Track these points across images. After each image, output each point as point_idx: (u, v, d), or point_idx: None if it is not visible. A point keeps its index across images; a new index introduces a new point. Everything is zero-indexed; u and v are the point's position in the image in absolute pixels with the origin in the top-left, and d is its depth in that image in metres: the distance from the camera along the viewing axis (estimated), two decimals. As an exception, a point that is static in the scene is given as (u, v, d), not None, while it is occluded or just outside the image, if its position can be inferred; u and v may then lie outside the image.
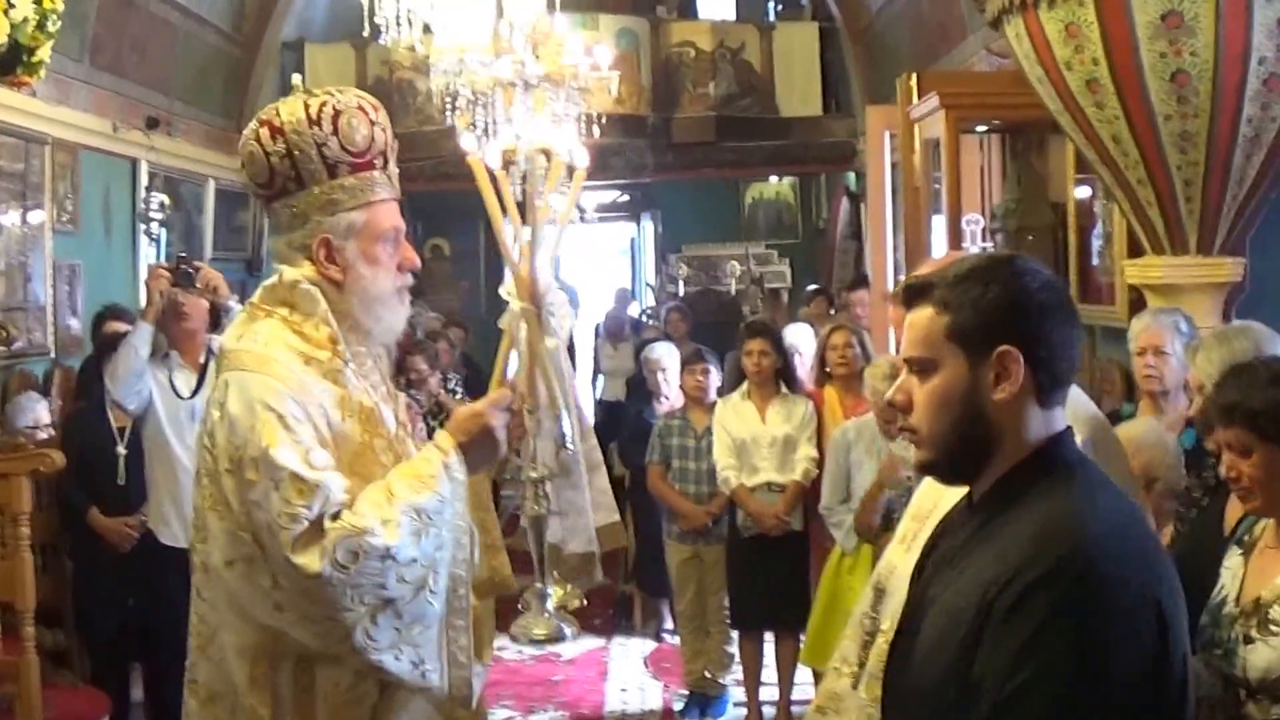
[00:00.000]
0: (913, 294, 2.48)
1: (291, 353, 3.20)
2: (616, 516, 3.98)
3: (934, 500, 3.25)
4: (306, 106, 3.25)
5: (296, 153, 3.23)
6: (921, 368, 2.45)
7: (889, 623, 3.20)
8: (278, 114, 3.26)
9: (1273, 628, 3.29)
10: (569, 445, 3.62)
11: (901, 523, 3.44)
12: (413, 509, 3.10)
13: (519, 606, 3.51)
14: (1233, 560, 3.58)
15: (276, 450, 3.02)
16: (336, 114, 3.26)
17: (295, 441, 3.05)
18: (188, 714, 3.27)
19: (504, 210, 3.75)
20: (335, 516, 3.03)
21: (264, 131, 3.25)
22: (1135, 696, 2.15)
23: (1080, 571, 2.17)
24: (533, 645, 3.52)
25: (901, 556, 3.29)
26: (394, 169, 3.41)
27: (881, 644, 3.19)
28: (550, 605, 3.48)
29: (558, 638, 3.49)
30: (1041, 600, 2.16)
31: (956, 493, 3.13)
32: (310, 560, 2.99)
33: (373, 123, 3.31)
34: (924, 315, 2.43)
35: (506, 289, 3.67)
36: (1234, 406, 3.42)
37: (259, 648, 3.13)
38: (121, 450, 7.02)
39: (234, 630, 3.14)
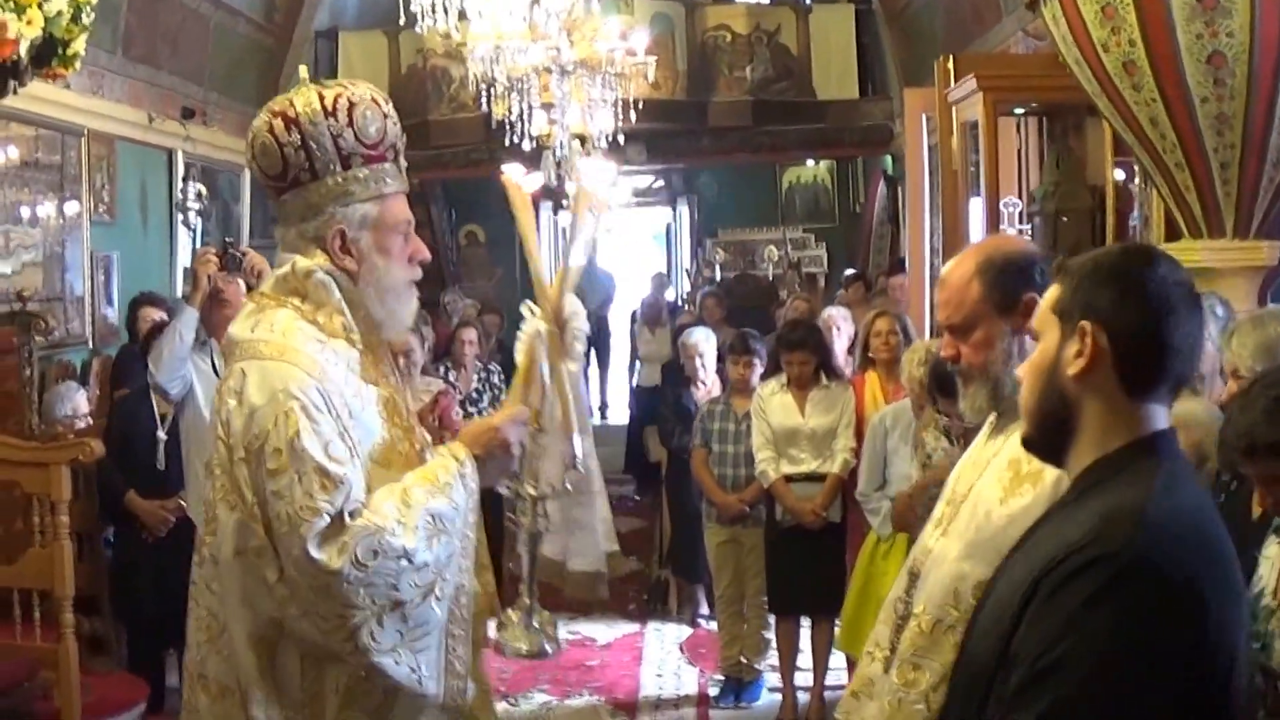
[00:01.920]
0: (1057, 270, 2.50)
1: (310, 341, 3.21)
2: (616, 546, 3.97)
3: (969, 483, 3.24)
4: (322, 98, 3.27)
5: (312, 144, 3.24)
6: (1034, 339, 2.49)
7: (921, 606, 3.18)
8: (291, 105, 3.26)
9: None
10: (580, 466, 3.61)
11: (937, 506, 3.42)
12: (429, 513, 3.14)
13: (500, 620, 3.52)
14: (1271, 550, 3.54)
15: (302, 441, 3.04)
16: (351, 106, 3.27)
17: (317, 433, 3.06)
18: (196, 710, 3.27)
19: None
20: (355, 514, 3.04)
21: (278, 123, 3.25)
22: (1166, 691, 2.11)
23: (1131, 559, 2.15)
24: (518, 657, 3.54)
25: (936, 540, 3.27)
26: (403, 161, 3.43)
27: (914, 628, 3.18)
28: (535, 622, 3.49)
29: (539, 653, 3.48)
30: (1086, 581, 2.15)
31: (992, 476, 3.13)
32: (330, 556, 3.00)
33: (385, 115, 3.34)
34: (1052, 290, 2.46)
35: (530, 308, 3.64)
36: (1252, 445, 3.37)
37: (268, 638, 3.15)
38: (162, 435, 7.06)
39: (242, 621, 3.15)
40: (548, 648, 3.51)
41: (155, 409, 7.07)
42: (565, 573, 3.86)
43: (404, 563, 3.06)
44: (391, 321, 3.42)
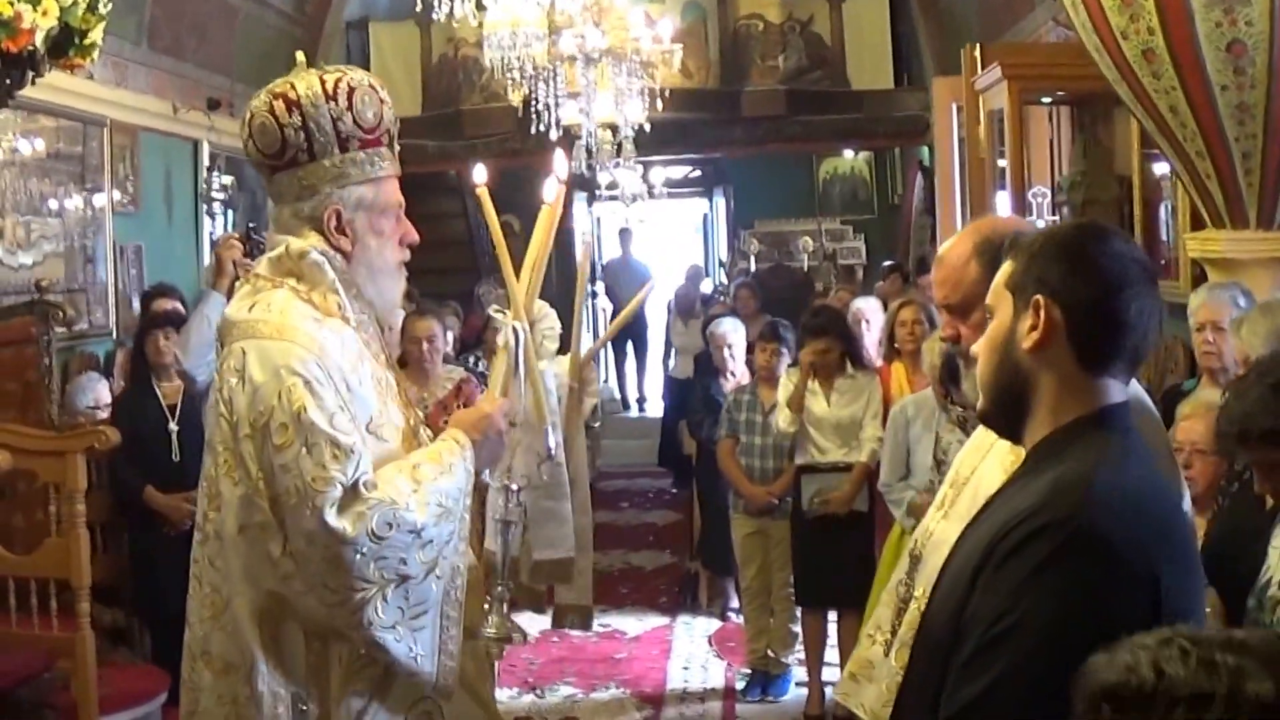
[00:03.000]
0: (1009, 247, 2.52)
1: (308, 319, 3.26)
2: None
3: (971, 466, 3.25)
4: (323, 82, 3.36)
5: (312, 125, 3.33)
6: (990, 316, 2.49)
7: (921, 589, 3.17)
8: (293, 88, 3.35)
9: None
10: (554, 457, 3.74)
11: (940, 490, 3.41)
12: (438, 491, 3.22)
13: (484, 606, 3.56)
14: (1278, 540, 3.52)
15: (309, 414, 3.11)
16: (351, 90, 3.38)
17: (322, 406, 3.13)
18: (199, 688, 3.30)
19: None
20: (368, 485, 3.11)
21: (279, 104, 3.33)
22: None
23: (1079, 526, 2.14)
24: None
25: (939, 523, 3.28)
26: (397, 147, 3.51)
27: (914, 610, 3.17)
28: (505, 610, 3.55)
29: (506, 638, 3.53)
30: (1037, 548, 2.15)
31: (995, 460, 3.11)
32: (347, 524, 3.07)
33: (381, 101, 3.43)
34: (1005, 266, 2.46)
35: (500, 309, 3.77)
36: (1246, 431, 3.38)
37: (272, 612, 3.20)
38: (174, 426, 7.08)
39: (246, 596, 3.20)
40: (514, 636, 3.53)
41: (162, 401, 7.09)
42: (535, 563, 3.91)
43: (414, 538, 3.15)
44: (381, 301, 3.49)
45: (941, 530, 3.20)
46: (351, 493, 3.09)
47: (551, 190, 3.71)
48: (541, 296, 3.77)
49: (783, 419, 7.71)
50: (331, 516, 3.06)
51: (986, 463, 3.16)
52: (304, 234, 3.37)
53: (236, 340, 3.25)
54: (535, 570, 3.93)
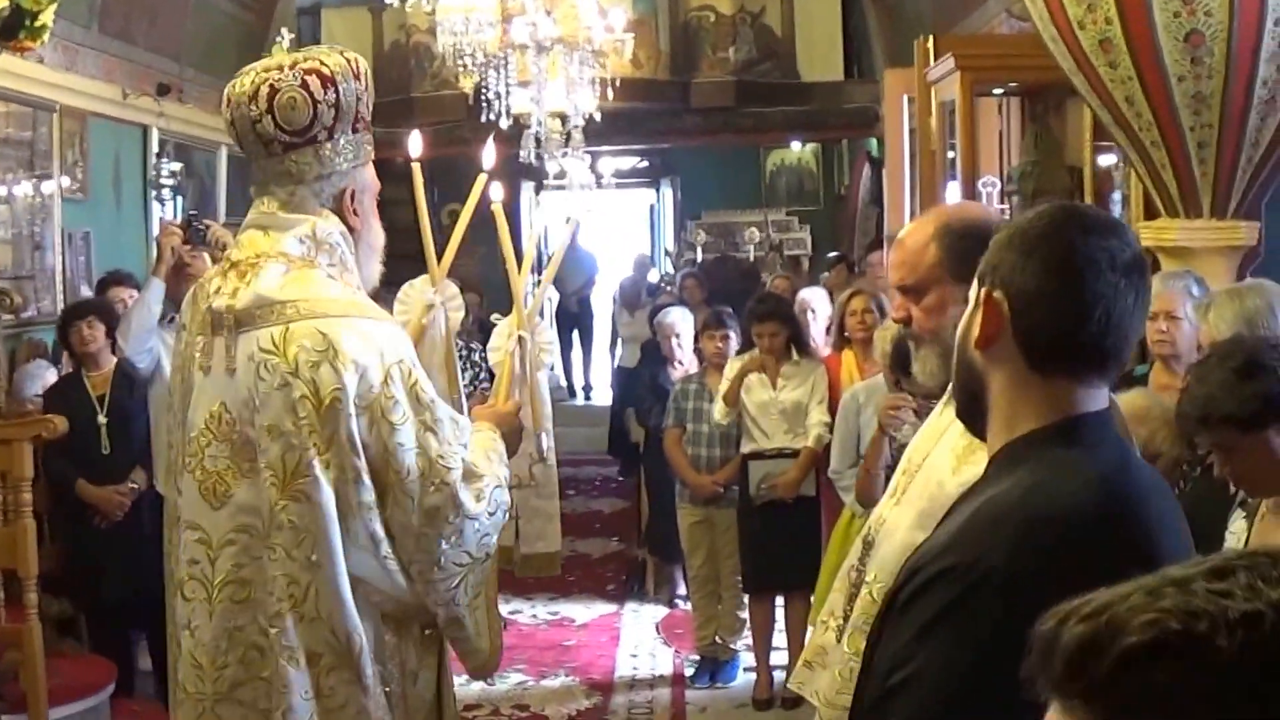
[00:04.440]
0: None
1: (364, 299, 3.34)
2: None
3: (923, 453, 3.21)
4: (347, 60, 3.36)
5: (343, 103, 3.31)
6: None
7: (873, 575, 3.17)
8: (324, 64, 3.31)
9: None
10: (546, 459, 3.90)
11: (894, 476, 3.41)
12: (502, 476, 3.37)
13: None
14: (1237, 525, 3.57)
15: (426, 392, 3.20)
16: (365, 71, 3.41)
17: (428, 384, 3.24)
18: (288, 683, 3.19)
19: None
20: (475, 464, 3.25)
21: (313, 80, 3.27)
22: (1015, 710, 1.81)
23: (986, 572, 1.95)
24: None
25: (891, 509, 3.26)
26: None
27: (865, 596, 3.16)
28: None
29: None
30: (940, 592, 1.98)
31: (945, 447, 3.11)
32: (470, 500, 3.19)
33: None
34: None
35: (497, 317, 3.95)
36: (1207, 414, 3.39)
37: (361, 594, 3.22)
38: (103, 419, 6.98)
39: (336, 581, 3.17)
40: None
41: (91, 392, 7.00)
42: (517, 557, 4.05)
43: (502, 516, 3.32)
44: (370, 283, 3.50)
45: (895, 517, 3.19)
46: (470, 470, 3.21)
47: (490, 157, 3.83)
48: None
49: (718, 412, 7.74)
50: (462, 492, 3.15)
51: (938, 449, 3.13)
52: (323, 214, 3.35)
53: (295, 320, 3.18)
54: (524, 563, 4.07)
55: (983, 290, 2.14)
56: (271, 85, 3.27)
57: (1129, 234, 2.17)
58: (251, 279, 3.26)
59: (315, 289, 3.24)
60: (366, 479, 3.13)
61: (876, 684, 2.06)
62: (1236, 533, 3.54)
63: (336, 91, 3.28)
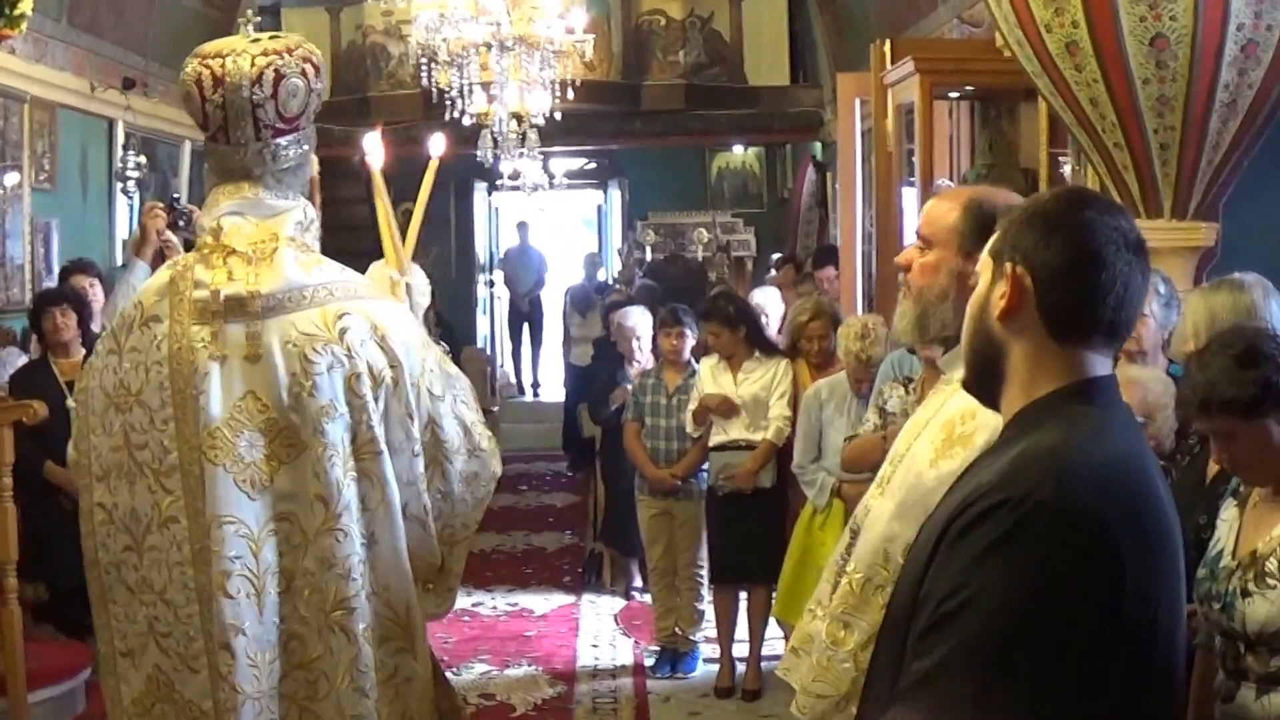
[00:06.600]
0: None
1: None
2: None
3: (907, 444, 3.30)
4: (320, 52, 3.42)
5: (322, 91, 3.37)
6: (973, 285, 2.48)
7: (853, 565, 3.25)
8: (314, 54, 3.35)
9: (1269, 580, 3.31)
10: None
11: (882, 466, 3.50)
12: None
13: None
14: (1229, 512, 3.61)
15: (448, 364, 3.36)
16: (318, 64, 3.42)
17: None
18: (368, 666, 3.22)
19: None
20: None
21: (309, 68, 3.30)
22: (1069, 637, 2.09)
23: (1037, 505, 2.10)
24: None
25: (876, 499, 3.33)
26: None
27: (845, 586, 3.24)
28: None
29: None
30: (991, 525, 2.12)
31: (925, 440, 3.21)
32: (497, 463, 3.41)
33: None
34: (994, 234, 2.43)
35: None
36: (1208, 400, 3.45)
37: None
38: (72, 403, 6.97)
39: (401, 556, 3.25)
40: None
41: (59, 378, 7.02)
42: None
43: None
44: None
45: (879, 507, 3.27)
46: (486, 433, 3.40)
47: (439, 145, 3.89)
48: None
49: (689, 426, 7.91)
50: (494, 459, 3.38)
51: (920, 440, 3.23)
52: (297, 200, 3.37)
53: (331, 303, 3.21)
54: None
55: (1006, 265, 2.31)
56: (277, 70, 3.23)
57: (1130, 216, 2.39)
58: (267, 265, 3.21)
59: (337, 273, 3.29)
60: (420, 450, 3.22)
61: (929, 612, 2.15)
62: (1228, 520, 3.58)
63: (320, 81, 3.33)
